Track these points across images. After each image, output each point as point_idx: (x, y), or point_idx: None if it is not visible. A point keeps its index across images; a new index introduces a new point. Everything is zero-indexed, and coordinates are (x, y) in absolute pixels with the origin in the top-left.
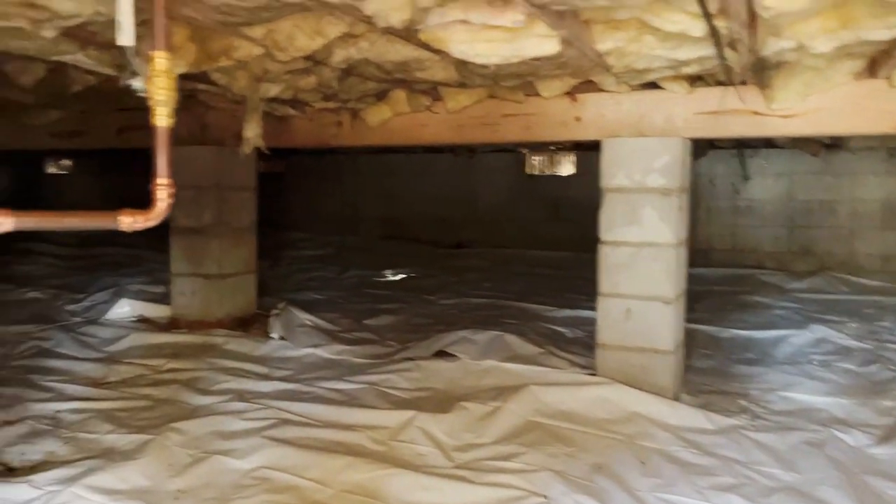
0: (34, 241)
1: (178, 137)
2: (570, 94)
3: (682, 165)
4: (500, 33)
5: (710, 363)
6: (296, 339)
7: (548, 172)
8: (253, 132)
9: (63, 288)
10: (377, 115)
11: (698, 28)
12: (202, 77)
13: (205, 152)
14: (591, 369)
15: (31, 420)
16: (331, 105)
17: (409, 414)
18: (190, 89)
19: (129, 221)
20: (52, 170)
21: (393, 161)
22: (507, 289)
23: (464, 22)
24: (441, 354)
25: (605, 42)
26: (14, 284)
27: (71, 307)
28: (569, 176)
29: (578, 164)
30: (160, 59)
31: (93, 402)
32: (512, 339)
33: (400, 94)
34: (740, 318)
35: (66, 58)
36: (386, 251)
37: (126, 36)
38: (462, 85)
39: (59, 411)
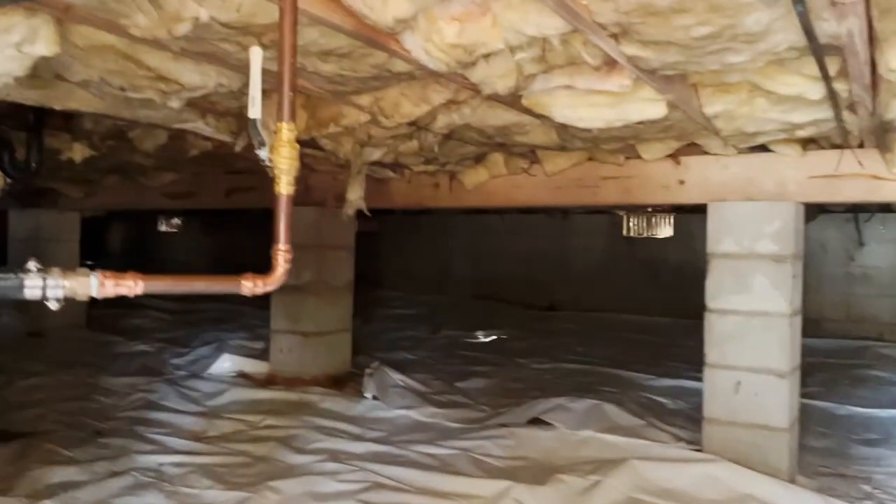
0: (145, 295)
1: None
2: (673, 156)
3: (795, 231)
4: (605, 98)
5: (826, 443)
6: (389, 399)
7: (645, 234)
8: (356, 195)
9: (169, 342)
10: (474, 177)
11: (816, 91)
12: (310, 142)
13: (307, 212)
14: (697, 445)
15: (136, 472)
16: (429, 168)
17: (504, 484)
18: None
19: (250, 286)
20: (162, 228)
21: (485, 221)
22: (603, 354)
23: (567, 87)
24: (536, 422)
25: (714, 105)
26: (124, 337)
27: (176, 361)
28: (667, 238)
29: (677, 227)
30: (285, 130)
31: (194, 457)
32: (610, 409)
33: (497, 157)
34: (858, 393)
35: (187, 125)
36: (476, 311)
37: (256, 109)
38: (562, 148)
39: (162, 464)
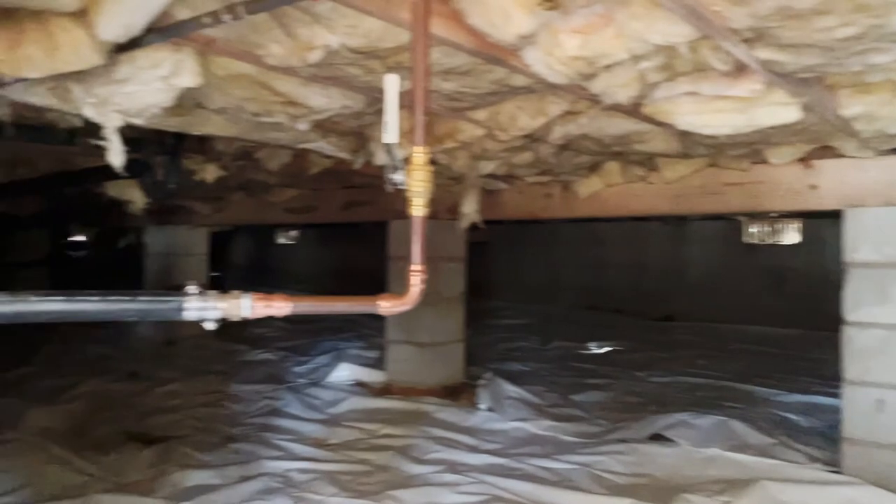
0: None
1: (396, 211)
2: (804, 160)
3: None
4: (732, 103)
5: None
6: (503, 411)
7: (769, 241)
8: (471, 208)
9: (290, 350)
10: (588, 186)
11: None
12: None
13: None
14: (835, 466)
15: (265, 477)
16: (542, 178)
17: (626, 502)
18: None
19: (387, 306)
20: (281, 240)
21: (597, 229)
22: (726, 368)
23: (692, 94)
24: (657, 438)
25: (853, 107)
26: (249, 346)
27: (297, 369)
28: (794, 245)
29: (805, 233)
30: (419, 154)
31: (318, 464)
32: (738, 426)
33: (613, 166)
34: None
35: (311, 145)
36: (589, 322)
37: (392, 135)
38: (684, 155)
39: (288, 470)
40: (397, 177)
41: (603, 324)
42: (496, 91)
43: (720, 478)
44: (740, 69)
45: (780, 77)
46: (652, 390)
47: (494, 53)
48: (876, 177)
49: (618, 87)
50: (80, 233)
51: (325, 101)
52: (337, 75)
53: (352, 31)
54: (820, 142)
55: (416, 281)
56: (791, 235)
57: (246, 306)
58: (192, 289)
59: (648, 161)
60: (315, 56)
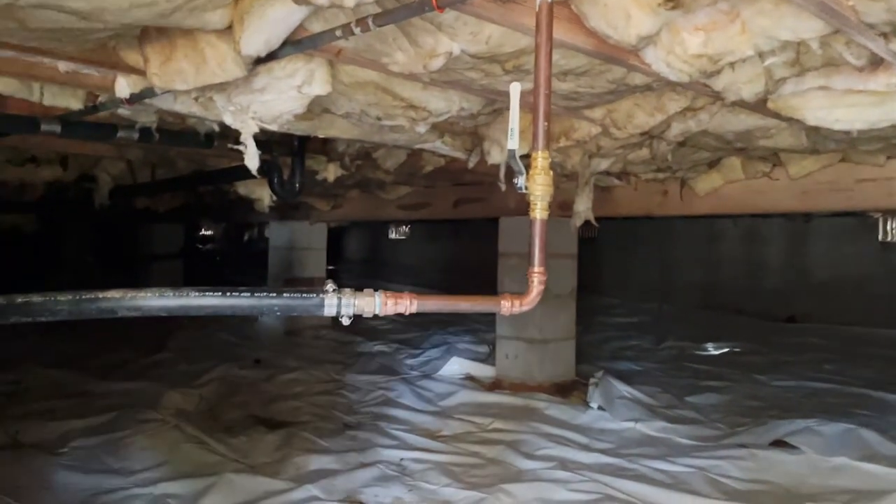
0: None
1: (507, 209)
2: None
3: None
4: (867, 97)
5: None
6: (615, 410)
7: None
8: (584, 206)
9: (403, 343)
10: (707, 183)
11: None
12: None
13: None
14: None
15: (381, 465)
16: (658, 175)
17: None
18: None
19: (508, 306)
20: (393, 235)
21: (714, 225)
22: (856, 373)
23: (822, 88)
24: (779, 444)
25: None
26: (364, 337)
27: (410, 361)
28: None
29: None
30: (540, 159)
31: (430, 454)
32: (869, 435)
33: (734, 162)
34: None
35: (427, 145)
36: (705, 322)
37: (515, 141)
38: (813, 151)
39: (403, 459)
40: (520, 181)
41: (720, 324)
42: (613, 90)
43: (848, 488)
44: (876, 63)
45: None
46: (774, 394)
47: (613, 54)
48: None
49: (742, 84)
50: (210, 228)
51: (444, 104)
52: (456, 79)
53: (473, 38)
54: None
55: (536, 282)
56: None
57: (377, 303)
58: (330, 286)
59: (772, 156)
60: (437, 63)
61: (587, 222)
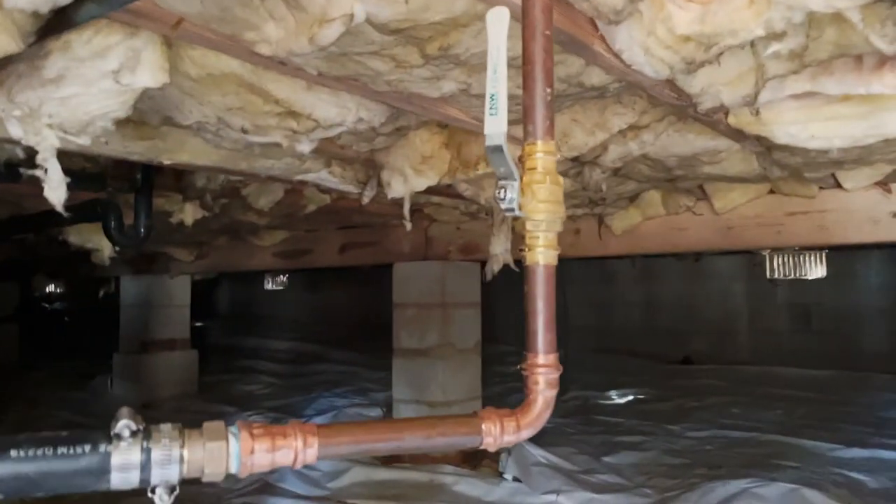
0: (255, 359)
1: (402, 253)
2: (882, 183)
3: None
4: (853, 107)
5: None
6: (532, 481)
7: (792, 276)
8: (502, 247)
9: (282, 410)
10: (625, 220)
11: None
12: (439, 189)
13: (429, 267)
14: None
15: None
16: (576, 211)
17: None
18: (422, 202)
19: (496, 434)
20: (269, 286)
21: (606, 266)
22: (764, 417)
23: (797, 97)
24: None
25: None
26: (236, 407)
27: None
28: (820, 279)
29: (830, 266)
30: (540, 156)
31: None
32: (813, 496)
33: (654, 195)
34: None
35: (309, 176)
36: (602, 366)
37: (501, 119)
38: (762, 178)
39: None
40: (507, 196)
41: (617, 368)
42: (560, 94)
43: None
44: (884, 60)
45: None
46: (692, 448)
47: (576, 33)
48: None
49: (723, 85)
50: (51, 284)
51: (336, 111)
52: (353, 74)
53: None
54: None
55: (543, 385)
56: (816, 269)
57: (235, 456)
58: (125, 425)
59: (698, 189)
60: (330, 34)
61: (505, 265)
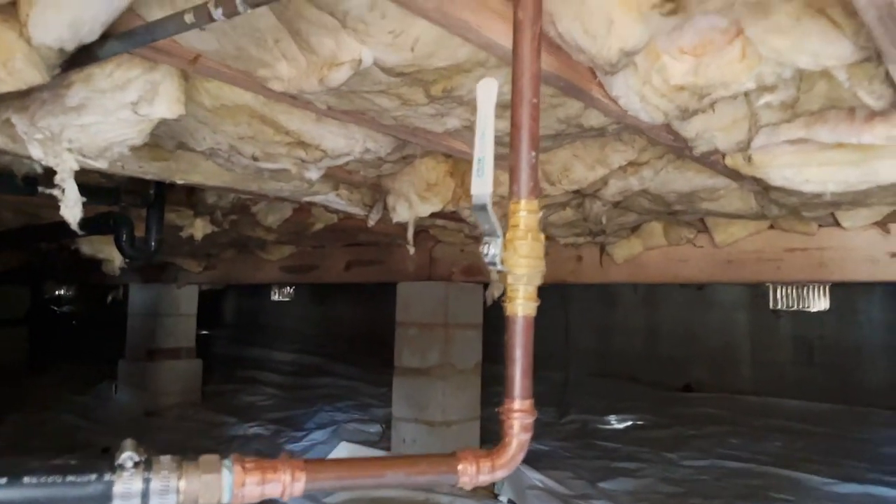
0: (258, 370)
1: (406, 273)
2: (881, 223)
3: None
4: (847, 154)
5: None
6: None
7: (794, 308)
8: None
9: (284, 423)
10: (626, 249)
11: None
12: (444, 213)
13: (432, 288)
14: None
15: None
16: (578, 240)
17: None
18: (427, 224)
19: (471, 473)
20: (276, 297)
21: (610, 290)
22: (763, 449)
23: (794, 142)
24: None
25: None
26: (238, 418)
27: (291, 446)
28: (823, 312)
29: (834, 300)
30: (523, 213)
31: None
32: None
33: (655, 227)
34: None
35: (318, 198)
36: (602, 391)
37: (487, 179)
38: (759, 216)
39: None
40: (489, 251)
41: (617, 394)
42: (560, 132)
43: None
44: (890, 107)
45: None
46: (689, 477)
47: (575, 80)
48: None
49: (718, 131)
50: (62, 288)
51: (344, 142)
52: (361, 108)
53: (393, 41)
54: None
55: (517, 429)
56: (819, 302)
57: (227, 486)
58: (129, 457)
59: (699, 221)
60: (339, 76)
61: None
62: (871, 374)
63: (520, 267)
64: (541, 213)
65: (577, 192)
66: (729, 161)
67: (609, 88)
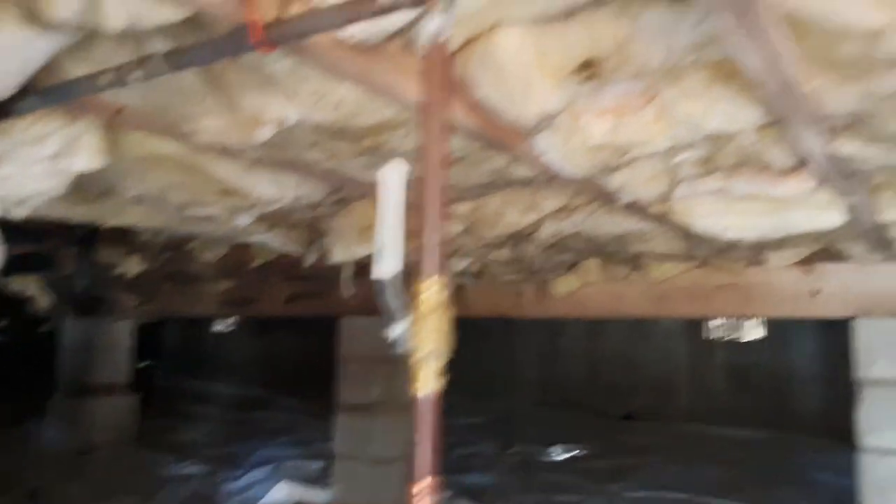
0: (199, 403)
1: (348, 307)
2: (803, 262)
3: None
4: (763, 204)
5: None
6: None
7: (729, 336)
8: None
9: (222, 461)
10: (564, 285)
11: None
12: None
13: (375, 323)
14: None
15: None
16: (517, 276)
17: None
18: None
19: None
20: (218, 328)
21: (554, 319)
22: (703, 478)
23: (713, 192)
24: None
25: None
26: (176, 455)
27: (229, 486)
28: (756, 341)
29: (768, 328)
30: (430, 293)
31: None
32: None
33: (592, 263)
34: None
35: (253, 238)
36: (546, 420)
37: (390, 263)
38: (688, 258)
39: None
40: (396, 327)
41: (562, 423)
42: (489, 183)
43: None
44: (798, 165)
45: (836, 173)
46: None
47: (500, 137)
48: (884, 283)
49: (640, 184)
50: None
51: (275, 190)
52: (292, 159)
53: (318, 101)
54: (823, 243)
55: None
56: (753, 331)
57: None
58: None
59: (633, 259)
60: (264, 134)
61: None
62: (803, 402)
63: (426, 344)
64: (445, 293)
65: (512, 234)
66: (653, 209)
67: (533, 146)
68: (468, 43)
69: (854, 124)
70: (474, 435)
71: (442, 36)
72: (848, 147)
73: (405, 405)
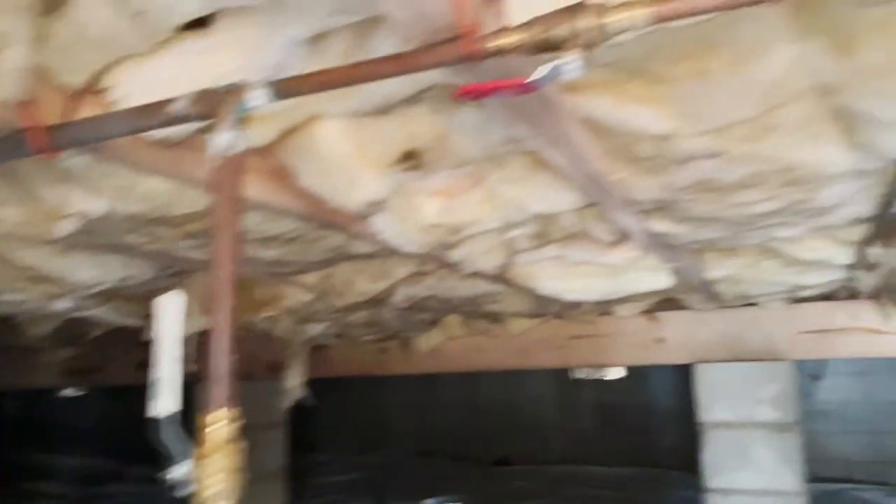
0: (40, 479)
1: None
2: (648, 312)
3: (794, 394)
4: (600, 269)
5: None
6: None
7: (594, 377)
8: (296, 380)
9: None
10: (428, 340)
11: (844, 255)
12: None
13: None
14: None
15: None
16: (379, 335)
17: None
18: None
19: None
20: (66, 392)
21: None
22: None
23: (557, 258)
24: None
25: (718, 270)
26: None
27: None
28: (620, 379)
29: (629, 368)
30: (217, 428)
31: None
32: None
33: (453, 319)
34: None
35: (87, 313)
36: (422, 471)
37: (169, 400)
38: (538, 315)
39: None
40: (178, 470)
41: (437, 472)
42: (330, 259)
43: None
44: (622, 238)
45: (657, 244)
46: None
47: (332, 219)
48: (720, 330)
49: (479, 256)
50: None
51: (98, 272)
52: (113, 243)
53: (124, 193)
54: (663, 296)
55: None
56: (614, 371)
57: None
58: None
59: (492, 315)
60: (67, 227)
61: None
62: (663, 437)
63: (215, 484)
64: (234, 425)
65: (367, 301)
66: (498, 275)
67: (369, 225)
68: (288, 134)
69: (662, 208)
70: (346, 493)
71: (233, 150)
72: (660, 225)
73: (261, 475)
